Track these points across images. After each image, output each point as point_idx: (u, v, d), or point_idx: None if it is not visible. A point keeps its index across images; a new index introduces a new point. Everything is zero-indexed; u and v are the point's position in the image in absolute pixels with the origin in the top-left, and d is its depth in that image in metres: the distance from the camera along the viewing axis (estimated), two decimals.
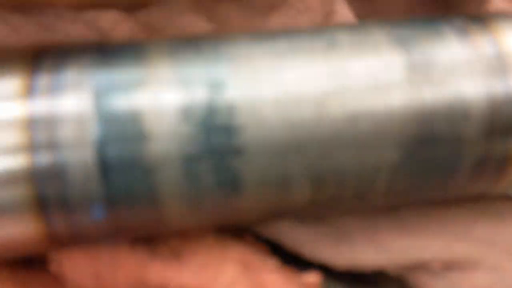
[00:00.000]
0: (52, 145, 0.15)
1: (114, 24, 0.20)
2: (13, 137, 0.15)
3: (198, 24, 0.22)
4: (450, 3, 0.23)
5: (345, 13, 0.25)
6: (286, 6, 0.25)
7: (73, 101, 0.16)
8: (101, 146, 0.16)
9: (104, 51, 0.17)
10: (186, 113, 0.16)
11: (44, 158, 0.15)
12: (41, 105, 0.16)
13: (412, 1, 0.24)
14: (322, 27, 0.18)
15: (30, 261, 0.21)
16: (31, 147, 0.15)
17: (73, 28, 0.19)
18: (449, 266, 0.21)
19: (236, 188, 0.17)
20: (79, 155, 0.15)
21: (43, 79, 0.16)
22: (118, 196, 0.16)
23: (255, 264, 0.20)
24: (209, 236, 0.21)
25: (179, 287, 0.19)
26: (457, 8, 0.24)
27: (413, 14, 0.23)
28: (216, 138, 0.16)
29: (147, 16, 0.21)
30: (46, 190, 0.16)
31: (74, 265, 0.20)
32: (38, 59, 0.17)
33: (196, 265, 0.20)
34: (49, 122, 0.16)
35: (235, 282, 0.19)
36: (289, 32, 0.18)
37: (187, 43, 0.17)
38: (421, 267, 0.21)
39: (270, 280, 0.20)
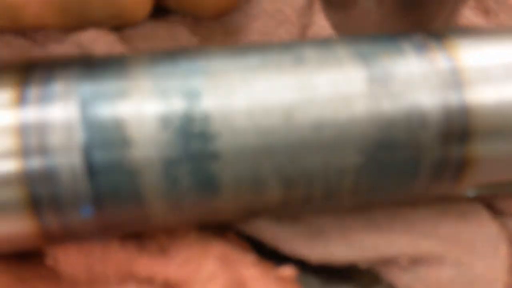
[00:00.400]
0: (43, 150, 0.17)
1: (94, 40, 0.22)
2: (6, 143, 0.17)
3: (183, 37, 0.24)
4: (421, 15, 0.25)
5: (322, 24, 0.26)
6: (266, 17, 0.26)
7: (61, 110, 0.17)
8: (88, 151, 0.17)
9: (89, 64, 0.19)
10: (165, 121, 0.18)
11: (35, 162, 0.17)
12: (31, 114, 0.17)
13: (386, 13, 0.25)
14: (291, 43, 0.20)
15: (26, 255, 0.23)
16: (23, 152, 0.17)
17: (60, 47, 0.21)
18: (416, 261, 0.22)
19: (213, 190, 0.19)
20: (68, 159, 0.17)
21: (33, 90, 0.18)
22: (105, 196, 0.18)
23: (234, 259, 0.22)
24: (193, 233, 0.22)
25: (165, 279, 0.20)
26: (428, 20, 0.25)
27: (386, 25, 0.25)
28: (193, 144, 0.18)
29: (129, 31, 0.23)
30: (38, 191, 0.17)
31: (68, 259, 0.21)
32: (29, 71, 0.19)
33: (180, 260, 0.21)
34: (39, 129, 0.17)
35: (215, 275, 0.21)
36: (260, 48, 0.20)
37: (166, 57, 0.19)
38: (390, 261, 0.23)
39: (248, 274, 0.21)
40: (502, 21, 0.30)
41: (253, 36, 0.28)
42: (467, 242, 0.22)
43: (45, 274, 0.23)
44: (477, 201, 0.24)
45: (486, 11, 0.31)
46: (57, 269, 0.22)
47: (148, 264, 0.21)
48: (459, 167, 0.20)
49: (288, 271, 0.22)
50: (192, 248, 0.22)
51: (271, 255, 0.24)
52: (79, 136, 0.17)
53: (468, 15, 0.28)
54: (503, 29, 0.22)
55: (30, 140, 0.17)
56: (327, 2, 0.30)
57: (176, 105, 0.18)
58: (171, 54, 0.19)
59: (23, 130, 0.17)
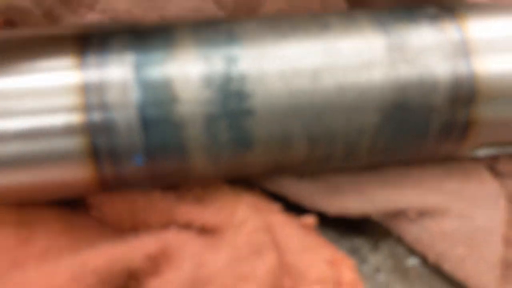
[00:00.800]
0: (103, 106, 0.20)
1: None
2: (71, 100, 0.20)
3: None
4: None
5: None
6: None
7: (118, 72, 0.20)
8: (141, 107, 0.20)
9: (138, 32, 0.21)
10: (207, 81, 0.20)
11: (96, 117, 0.20)
12: (92, 76, 0.20)
13: None
14: (317, 14, 0.22)
15: (75, 205, 0.26)
16: (86, 107, 0.20)
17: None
18: (423, 214, 0.25)
19: (247, 144, 0.21)
20: (124, 114, 0.20)
21: (92, 57, 0.20)
22: (155, 147, 0.20)
23: (263, 207, 0.24)
24: (225, 186, 0.25)
25: (201, 224, 0.23)
26: None
27: (398, 2, 0.27)
28: (231, 102, 0.20)
29: None
30: (98, 142, 0.20)
31: (114, 207, 0.24)
32: (86, 40, 0.21)
33: (215, 208, 0.24)
34: (99, 89, 0.20)
35: (247, 219, 0.23)
36: (290, 16, 0.22)
37: (207, 25, 0.21)
38: (399, 214, 0.25)
39: (276, 219, 0.24)
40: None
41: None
42: (469, 197, 0.25)
43: (91, 222, 0.25)
44: (480, 163, 0.26)
45: None
46: (103, 217, 0.25)
47: (186, 212, 0.24)
48: (465, 128, 0.22)
49: (310, 219, 0.24)
50: (225, 198, 0.24)
51: (293, 209, 0.27)
52: (133, 95, 0.20)
53: None
54: (508, 6, 0.24)
55: (91, 98, 0.20)
56: None
57: (216, 67, 0.20)
58: (211, 23, 0.22)
59: (85, 90, 0.20)
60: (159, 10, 0.31)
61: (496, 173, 0.27)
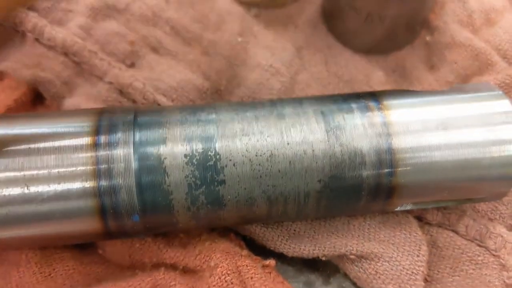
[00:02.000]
0: (110, 175, 0.26)
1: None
2: (87, 170, 0.26)
3: None
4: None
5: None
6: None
7: (123, 151, 0.26)
8: (139, 176, 0.26)
9: (138, 117, 0.28)
10: (189, 158, 0.27)
11: (105, 183, 0.26)
12: (103, 152, 0.26)
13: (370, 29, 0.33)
14: (275, 102, 0.29)
15: (83, 246, 0.32)
16: (97, 176, 0.26)
17: None
18: (361, 257, 0.31)
19: (220, 205, 0.28)
20: (126, 181, 0.26)
21: (104, 137, 0.27)
22: (148, 207, 0.27)
23: (234, 253, 0.31)
24: (204, 234, 0.31)
25: (185, 265, 0.29)
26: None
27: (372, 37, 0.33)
28: (207, 174, 0.27)
29: None
30: (105, 203, 0.26)
31: (115, 249, 0.31)
32: (98, 121, 0.28)
33: (195, 253, 0.30)
34: (108, 162, 0.26)
35: (219, 264, 0.29)
36: (254, 104, 0.29)
37: (192, 113, 0.28)
38: (344, 256, 0.31)
39: (243, 264, 0.30)
40: (442, 76, 0.39)
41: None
42: (398, 244, 0.31)
43: (97, 259, 0.32)
44: (410, 214, 0.33)
45: (431, 67, 0.40)
46: (107, 257, 0.31)
47: (172, 256, 0.30)
48: (390, 191, 0.29)
49: (271, 261, 0.31)
50: (204, 245, 0.31)
51: (259, 250, 0.33)
52: (133, 166, 0.26)
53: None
54: (426, 92, 0.31)
55: (102, 169, 0.26)
56: (327, 17, 0.38)
57: (196, 147, 0.27)
58: (193, 109, 0.29)
59: (97, 162, 0.26)
60: (156, 81, 0.38)
61: (424, 222, 0.34)
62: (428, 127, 0.28)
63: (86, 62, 0.38)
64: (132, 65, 0.39)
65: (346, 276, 0.33)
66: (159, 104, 0.36)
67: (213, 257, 0.30)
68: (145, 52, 0.40)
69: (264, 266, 0.31)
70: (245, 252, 0.31)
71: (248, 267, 0.30)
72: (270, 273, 0.30)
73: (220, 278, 0.28)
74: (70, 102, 0.38)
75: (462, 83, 0.39)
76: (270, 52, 0.39)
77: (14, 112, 0.36)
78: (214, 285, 0.28)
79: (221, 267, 0.29)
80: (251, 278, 0.29)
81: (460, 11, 0.41)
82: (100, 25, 0.39)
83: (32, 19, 0.38)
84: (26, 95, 0.37)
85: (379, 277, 0.31)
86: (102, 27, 0.39)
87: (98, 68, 0.38)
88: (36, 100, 0.39)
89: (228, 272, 0.29)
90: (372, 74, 0.39)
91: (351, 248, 0.31)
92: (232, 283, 0.28)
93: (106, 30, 0.39)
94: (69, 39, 0.38)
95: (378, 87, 0.38)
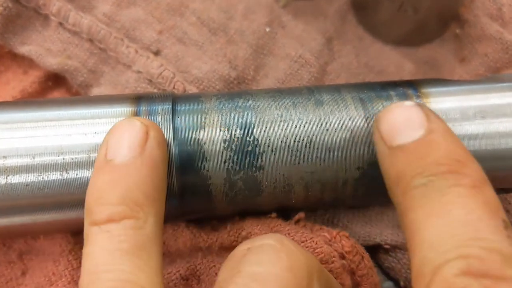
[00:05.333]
0: None
1: None
2: None
3: None
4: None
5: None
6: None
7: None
8: (178, 161, 0.26)
9: (177, 103, 0.28)
10: (228, 143, 0.27)
11: None
12: None
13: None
14: (312, 89, 0.29)
15: None
16: None
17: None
18: (396, 247, 0.31)
19: (257, 191, 0.27)
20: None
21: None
22: (187, 192, 0.27)
23: (264, 218, 0.30)
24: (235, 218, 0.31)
25: (220, 246, 0.29)
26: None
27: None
28: (246, 159, 0.27)
29: None
30: None
31: None
32: (137, 104, 0.28)
33: (227, 231, 0.30)
34: None
35: (251, 232, 0.29)
36: (292, 91, 0.28)
37: (229, 99, 0.28)
38: (377, 246, 0.31)
39: (276, 224, 0.29)
40: (473, 68, 0.39)
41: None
42: None
43: None
44: None
45: (462, 59, 0.40)
46: None
47: (206, 238, 0.30)
48: None
49: (300, 215, 0.30)
50: (233, 220, 0.30)
51: None
52: (173, 151, 0.26)
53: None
54: (463, 81, 0.30)
55: None
56: (358, 8, 0.38)
57: (235, 133, 0.27)
58: (230, 95, 0.28)
59: None
60: (183, 72, 0.38)
61: None
62: (466, 116, 0.28)
63: (112, 49, 0.38)
64: (157, 53, 0.39)
65: (377, 268, 0.33)
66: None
67: (244, 227, 0.30)
68: (171, 43, 0.39)
69: (296, 222, 0.30)
70: (274, 214, 0.30)
71: (282, 225, 0.29)
72: (304, 225, 0.30)
73: None
74: (98, 91, 0.37)
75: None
76: (299, 42, 0.39)
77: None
78: None
79: (254, 234, 0.29)
80: (288, 234, 0.28)
81: (490, 5, 0.41)
82: (125, 12, 0.39)
83: (56, 2, 0.37)
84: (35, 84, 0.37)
85: None
86: (127, 14, 0.39)
87: (125, 56, 0.38)
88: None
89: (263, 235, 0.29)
90: (403, 66, 0.38)
91: (386, 238, 0.31)
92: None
93: (131, 17, 0.39)
94: (95, 25, 0.37)
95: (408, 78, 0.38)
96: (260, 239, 0.23)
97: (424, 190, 0.21)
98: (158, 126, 0.25)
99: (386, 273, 0.32)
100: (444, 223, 0.20)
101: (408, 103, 0.25)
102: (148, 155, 0.23)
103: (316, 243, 0.28)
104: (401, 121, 0.24)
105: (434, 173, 0.22)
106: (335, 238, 0.28)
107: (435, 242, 0.20)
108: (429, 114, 0.24)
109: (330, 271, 0.27)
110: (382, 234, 0.31)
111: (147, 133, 0.24)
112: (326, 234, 0.29)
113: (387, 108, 0.25)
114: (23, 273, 0.30)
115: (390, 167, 0.24)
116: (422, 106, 0.25)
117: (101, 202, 0.22)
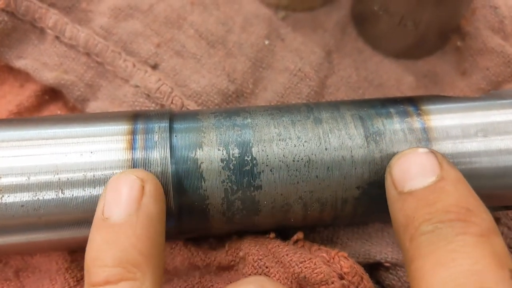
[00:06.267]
0: None
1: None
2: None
3: None
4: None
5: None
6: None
7: (159, 154, 0.26)
8: (175, 180, 0.26)
9: (174, 120, 0.27)
10: (226, 163, 0.26)
11: None
12: (139, 156, 0.26)
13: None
14: (311, 106, 0.28)
15: None
16: None
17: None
18: (396, 265, 0.31)
19: (255, 210, 0.27)
20: (163, 185, 0.26)
21: (139, 141, 0.26)
22: (184, 212, 0.26)
23: (262, 238, 0.29)
24: (233, 237, 0.31)
25: (218, 265, 0.29)
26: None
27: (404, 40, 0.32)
28: (244, 179, 0.26)
29: None
30: None
31: None
32: (133, 124, 0.27)
33: (224, 250, 0.29)
34: (144, 165, 0.26)
35: (249, 252, 0.28)
36: (290, 109, 0.28)
37: (227, 117, 0.28)
38: (378, 264, 0.31)
39: (274, 245, 0.29)
40: (474, 82, 0.38)
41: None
42: None
43: None
44: None
45: (463, 73, 0.39)
46: None
47: (204, 257, 0.30)
48: None
49: (298, 235, 0.30)
50: (231, 239, 0.30)
51: None
52: (170, 170, 0.26)
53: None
54: (464, 98, 0.30)
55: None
56: (357, 21, 0.38)
57: (233, 152, 0.26)
58: (228, 113, 0.28)
59: (133, 166, 0.26)
60: (181, 86, 0.37)
61: None
62: (467, 134, 0.28)
63: (109, 63, 0.37)
64: (155, 67, 0.38)
65: (378, 283, 0.32)
66: (187, 109, 0.36)
67: (241, 248, 0.29)
68: (169, 56, 0.39)
69: (294, 242, 0.30)
70: (272, 235, 0.30)
71: (280, 246, 0.29)
72: (303, 245, 0.29)
73: (253, 265, 0.28)
74: (95, 105, 0.37)
75: (495, 90, 0.38)
76: (298, 55, 0.39)
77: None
78: (249, 274, 0.28)
79: (251, 255, 0.28)
80: (287, 255, 0.28)
81: (491, 17, 0.40)
82: (122, 24, 0.39)
83: (53, 16, 0.37)
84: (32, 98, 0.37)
85: None
86: (125, 27, 0.39)
87: (123, 70, 0.37)
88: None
89: (260, 257, 0.28)
90: (403, 79, 0.38)
91: (386, 256, 0.30)
92: (267, 266, 0.28)
93: (128, 30, 0.38)
94: (92, 38, 0.37)
95: (408, 92, 0.38)
96: (242, 284, 0.23)
97: (431, 237, 0.21)
98: (154, 177, 0.25)
99: None
100: (449, 273, 0.20)
101: (422, 150, 0.25)
102: (143, 212, 0.23)
103: (315, 264, 0.27)
104: (413, 167, 0.24)
105: (442, 220, 0.22)
106: (333, 258, 0.28)
107: None
108: (442, 161, 0.24)
109: None
110: (382, 252, 0.31)
111: (143, 188, 0.24)
112: (324, 254, 0.28)
113: (400, 153, 0.26)
114: None
115: (399, 212, 0.24)
116: (435, 153, 0.25)
117: (98, 264, 0.21)
